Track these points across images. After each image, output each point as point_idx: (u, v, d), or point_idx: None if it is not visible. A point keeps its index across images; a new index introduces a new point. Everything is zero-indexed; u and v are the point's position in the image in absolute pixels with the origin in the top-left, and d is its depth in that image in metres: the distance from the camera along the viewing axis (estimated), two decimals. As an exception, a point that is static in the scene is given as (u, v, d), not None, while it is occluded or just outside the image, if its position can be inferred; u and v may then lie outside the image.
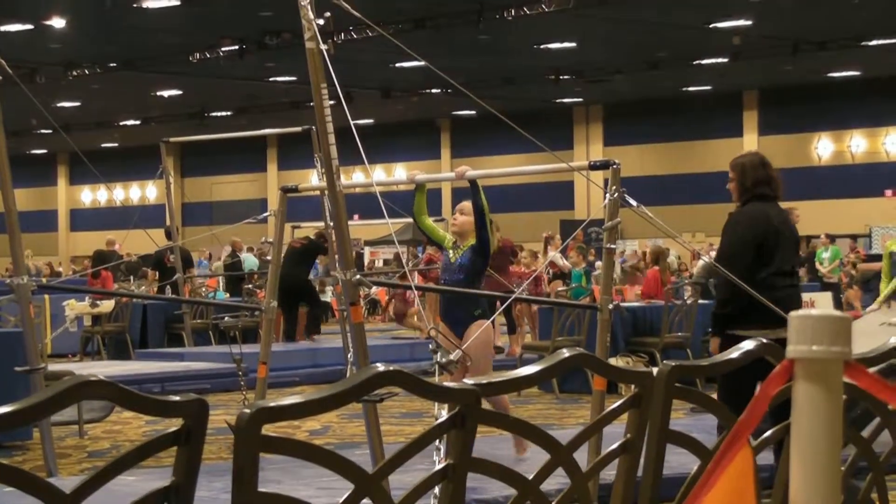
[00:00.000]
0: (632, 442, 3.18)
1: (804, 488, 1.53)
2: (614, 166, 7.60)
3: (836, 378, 1.58)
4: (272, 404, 2.39)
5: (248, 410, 2.33)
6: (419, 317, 18.05)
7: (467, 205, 8.58)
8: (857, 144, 39.81)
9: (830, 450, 1.55)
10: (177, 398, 2.39)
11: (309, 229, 19.59)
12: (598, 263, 18.74)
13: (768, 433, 3.43)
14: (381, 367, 2.55)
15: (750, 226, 7.38)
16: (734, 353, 3.22)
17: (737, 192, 7.57)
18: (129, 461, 2.36)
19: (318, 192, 10.94)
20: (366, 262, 37.13)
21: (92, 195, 55.64)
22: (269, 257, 13.64)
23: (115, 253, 22.54)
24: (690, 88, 39.52)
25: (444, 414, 2.78)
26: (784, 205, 7.92)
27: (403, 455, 2.65)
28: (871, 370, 2.74)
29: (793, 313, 1.61)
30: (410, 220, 15.70)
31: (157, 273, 20.43)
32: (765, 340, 3.30)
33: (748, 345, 3.27)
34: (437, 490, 2.83)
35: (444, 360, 7.07)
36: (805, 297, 19.60)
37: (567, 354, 2.96)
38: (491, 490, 7.20)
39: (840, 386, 1.58)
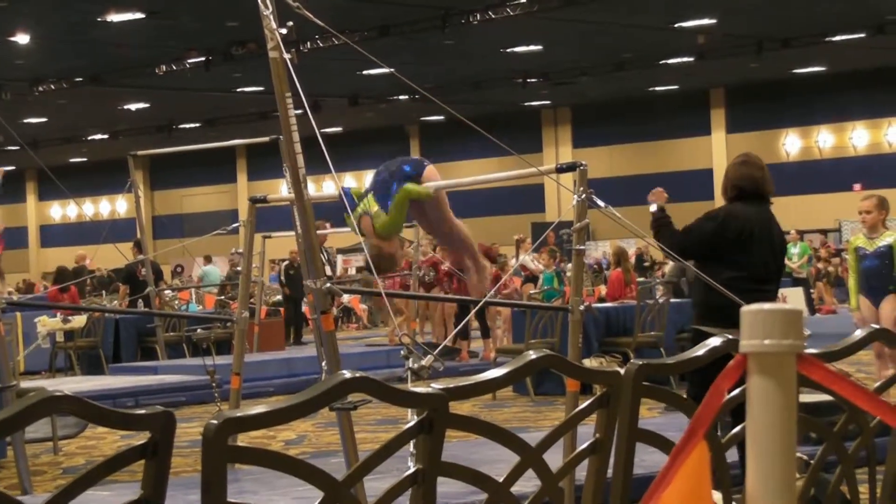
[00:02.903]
0: (601, 442, 3.19)
1: (760, 480, 1.54)
2: (581, 168, 7.62)
3: (789, 371, 1.59)
4: (239, 414, 2.39)
5: (215, 421, 2.33)
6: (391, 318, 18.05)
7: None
8: (825, 140, 40.03)
9: (785, 442, 1.56)
10: (143, 411, 2.39)
11: (280, 239, 19.56)
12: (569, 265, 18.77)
13: (736, 429, 3.44)
14: (347, 373, 2.55)
15: (723, 223, 7.42)
16: (700, 350, 3.23)
17: (724, 194, 7.70)
18: (96, 476, 2.36)
19: (287, 202, 10.92)
20: (338, 270, 37.09)
21: (62, 211, 55.42)
22: (239, 268, 13.61)
23: (84, 268, 22.45)
24: (657, 88, 39.65)
25: (415, 419, 2.78)
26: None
27: (372, 462, 2.65)
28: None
29: (744, 308, 1.62)
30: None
31: (129, 287, 20.33)
32: (730, 336, 3.31)
33: (714, 341, 3.28)
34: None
35: (416, 366, 7.07)
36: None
37: (534, 356, 2.97)
38: (466, 494, 7.20)
39: (794, 379, 1.59)
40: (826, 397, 3.48)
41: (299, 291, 23.88)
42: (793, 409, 1.58)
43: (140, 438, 2.43)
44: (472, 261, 8.80)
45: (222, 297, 24.71)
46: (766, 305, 1.60)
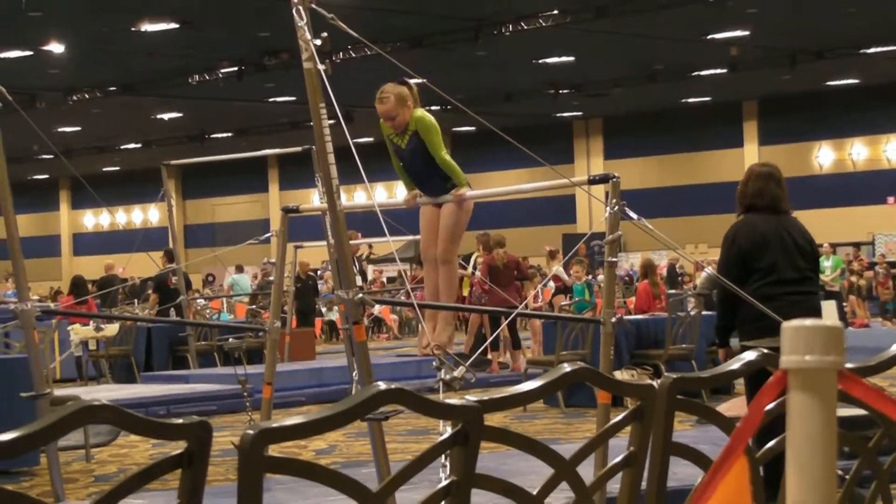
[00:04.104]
0: (635, 455, 3.18)
1: (801, 497, 1.54)
2: (614, 180, 7.60)
3: (829, 388, 1.58)
4: (275, 425, 2.40)
5: (250, 432, 2.34)
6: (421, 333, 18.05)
7: (386, 88, 8.49)
8: (858, 152, 39.85)
9: (826, 459, 1.56)
10: (179, 421, 2.40)
11: (312, 249, 19.61)
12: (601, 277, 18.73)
13: (772, 443, 3.43)
14: (382, 385, 2.56)
15: (735, 240, 7.52)
16: (735, 364, 3.23)
17: (737, 196, 7.73)
18: (133, 485, 2.37)
19: (319, 212, 10.95)
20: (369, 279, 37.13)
21: (94, 219, 55.73)
22: (271, 278, 13.64)
23: (116, 277, 22.56)
24: (690, 100, 39.58)
25: (449, 431, 2.79)
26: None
27: (407, 473, 2.65)
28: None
29: (785, 323, 1.62)
30: (412, 237, 15.65)
31: (159, 296, 20.37)
32: (765, 350, 3.31)
33: (749, 355, 3.28)
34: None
35: (448, 376, 7.08)
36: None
37: (568, 369, 2.97)
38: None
39: (834, 395, 1.59)
40: (860, 411, 3.46)
41: (306, 305, 24.10)
42: (833, 425, 1.58)
43: (171, 447, 2.44)
44: (441, 313, 8.74)
45: (253, 307, 24.78)
46: (808, 321, 1.59)
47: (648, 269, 17.18)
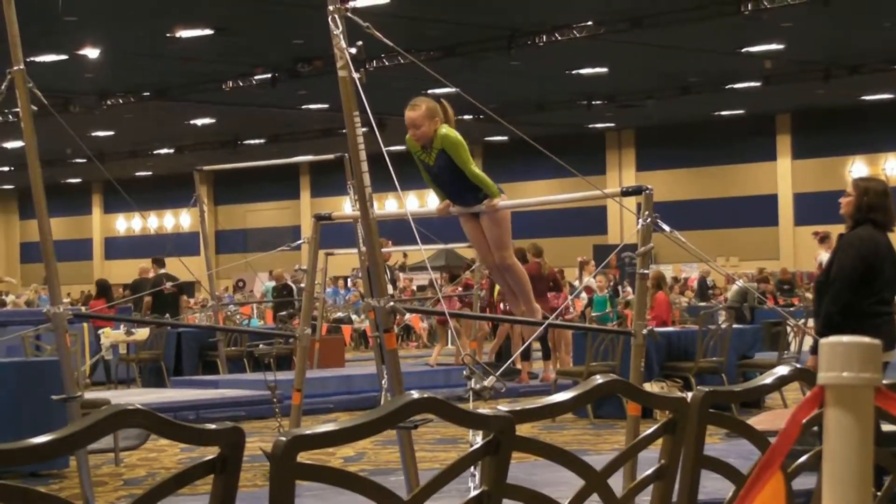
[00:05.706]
0: (666, 468, 3.18)
1: (836, 513, 1.54)
2: (647, 192, 7.58)
3: (866, 404, 1.58)
4: (308, 432, 2.41)
5: (283, 438, 2.34)
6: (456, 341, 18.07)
7: (419, 98, 8.50)
8: (892, 167, 39.64)
9: (861, 476, 1.56)
10: (213, 426, 2.41)
11: (343, 256, 19.63)
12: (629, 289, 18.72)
13: (803, 458, 3.42)
14: (415, 394, 2.56)
15: (862, 249, 7.38)
16: (767, 378, 3.22)
17: (850, 209, 7.55)
18: (165, 490, 2.38)
19: (350, 220, 10.96)
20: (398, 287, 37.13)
21: (126, 223, 55.96)
22: (303, 284, 13.68)
23: (147, 280, 22.64)
24: (723, 113, 39.46)
25: (479, 440, 2.79)
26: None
27: (438, 482, 2.66)
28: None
29: (822, 340, 1.61)
30: (444, 246, 15.65)
31: (152, 302, 20.31)
32: (798, 366, 3.30)
33: (781, 370, 3.28)
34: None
35: (478, 386, 7.08)
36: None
37: (601, 381, 2.97)
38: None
39: (871, 412, 1.59)
40: (892, 427, 3.45)
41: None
42: (869, 442, 1.58)
43: (201, 452, 2.45)
44: (525, 306, 8.83)
45: (283, 313, 24.82)
46: (845, 338, 1.60)
47: (661, 280, 17.39)
